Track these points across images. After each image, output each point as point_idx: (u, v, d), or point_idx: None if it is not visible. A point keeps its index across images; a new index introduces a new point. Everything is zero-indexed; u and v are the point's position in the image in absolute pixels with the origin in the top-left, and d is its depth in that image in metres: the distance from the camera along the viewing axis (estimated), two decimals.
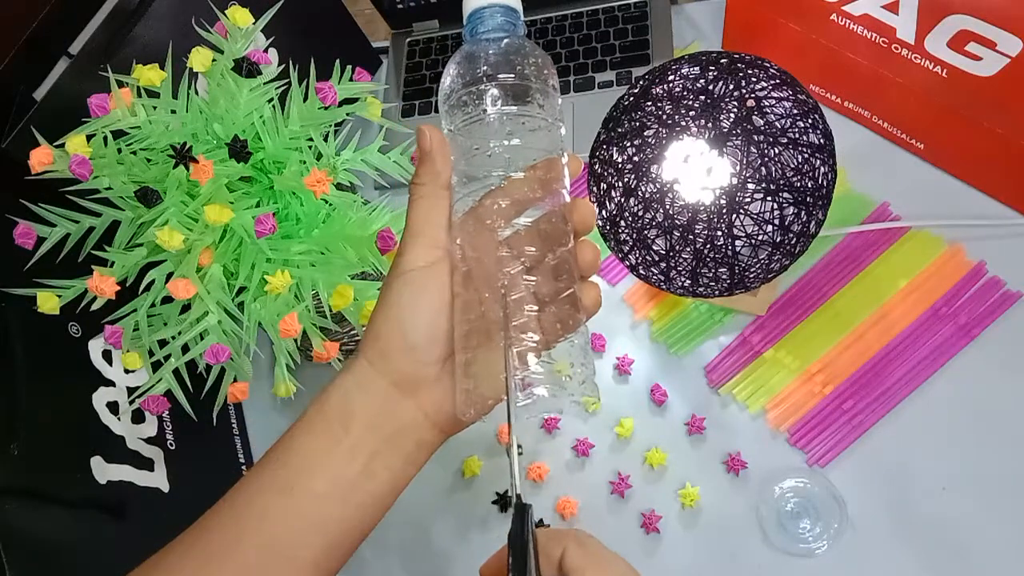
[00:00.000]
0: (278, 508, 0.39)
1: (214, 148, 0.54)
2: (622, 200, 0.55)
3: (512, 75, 0.41)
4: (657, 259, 0.56)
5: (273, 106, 0.55)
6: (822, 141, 0.53)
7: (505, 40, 0.43)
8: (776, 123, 0.52)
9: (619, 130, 0.56)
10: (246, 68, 0.52)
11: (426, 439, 0.41)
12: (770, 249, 0.54)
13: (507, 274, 0.39)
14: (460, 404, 0.39)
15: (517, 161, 0.40)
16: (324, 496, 0.39)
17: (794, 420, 0.65)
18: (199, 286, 0.50)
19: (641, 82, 0.57)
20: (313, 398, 0.42)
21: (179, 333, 0.51)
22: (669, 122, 0.53)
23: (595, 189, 0.57)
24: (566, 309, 0.39)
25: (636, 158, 0.54)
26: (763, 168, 0.52)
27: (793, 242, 0.54)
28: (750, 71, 0.54)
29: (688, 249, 0.54)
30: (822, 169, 0.53)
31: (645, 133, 0.54)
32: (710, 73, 0.54)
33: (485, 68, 0.41)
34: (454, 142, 0.42)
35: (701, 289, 0.57)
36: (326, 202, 0.54)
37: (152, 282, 0.52)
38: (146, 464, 0.63)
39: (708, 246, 0.54)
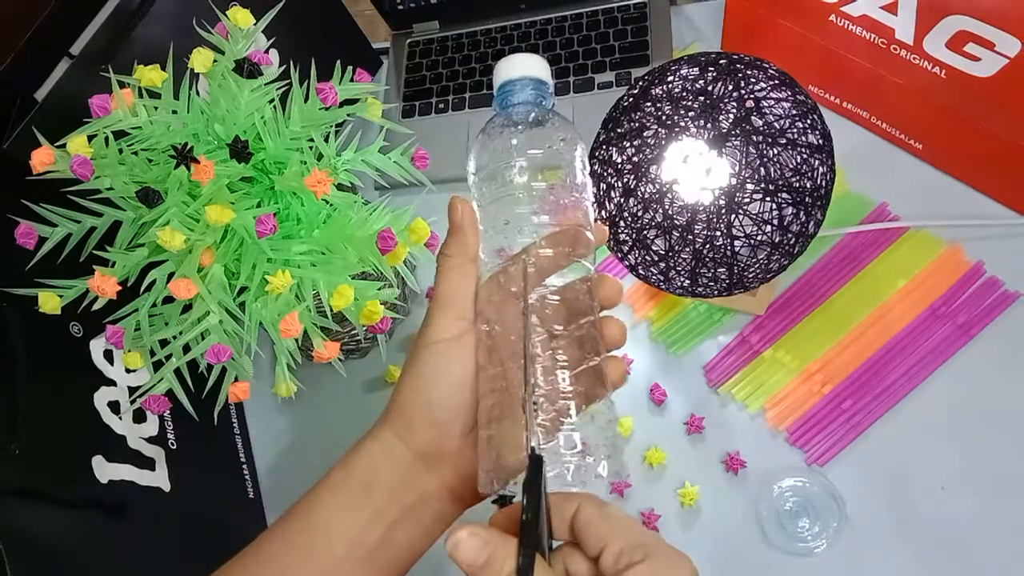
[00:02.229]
0: (298, 567, 0.40)
1: (215, 148, 0.54)
2: (621, 200, 0.55)
3: (541, 151, 0.41)
4: (656, 259, 0.56)
5: (274, 107, 0.55)
6: (821, 141, 0.53)
7: (534, 114, 0.43)
8: (775, 124, 0.52)
9: (619, 130, 0.56)
10: (247, 69, 0.52)
11: (446, 511, 0.42)
12: (769, 249, 0.54)
13: (532, 343, 0.38)
14: (483, 481, 0.38)
15: (544, 234, 0.40)
16: (343, 559, 0.40)
17: (793, 419, 0.65)
18: (200, 286, 0.50)
19: (640, 83, 0.57)
20: (339, 459, 0.43)
21: (180, 333, 0.51)
22: (668, 123, 0.53)
23: (595, 189, 0.57)
24: (590, 381, 0.39)
25: (635, 158, 0.54)
26: (762, 168, 0.52)
27: (792, 242, 0.54)
28: (749, 72, 0.54)
29: (687, 249, 0.54)
30: (821, 169, 0.53)
31: (644, 134, 0.54)
32: (709, 74, 0.54)
33: (515, 143, 0.41)
34: (482, 213, 0.42)
35: (700, 289, 0.57)
36: (327, 202, 0.54)
37: (153, 282, 0.52)
38: (147, 463, 0.63)
39: (707, 246, 0.54)
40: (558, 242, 0.40)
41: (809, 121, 0.53)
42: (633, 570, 0.32)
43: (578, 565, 0.34)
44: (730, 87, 0.53)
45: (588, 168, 0.43)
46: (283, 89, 0.55)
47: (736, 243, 0.53)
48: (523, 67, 0.43)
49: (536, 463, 0.33)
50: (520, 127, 0.42)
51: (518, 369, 0.38)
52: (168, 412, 0.65)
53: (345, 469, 0.42)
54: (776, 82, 0.54)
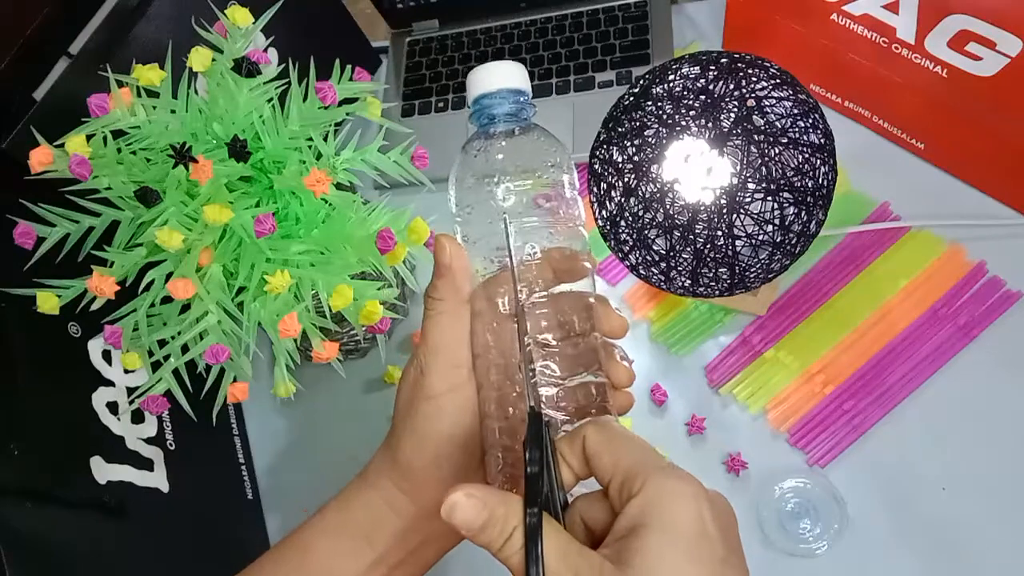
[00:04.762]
0: None
1: (214, 148, 0.54)
2: (622, 200, 0.55)
3: (529, 182, 0.39)
4: (657, 259, 0.56)
5: (273, 106, 0.55)
6: (822, 141, 0.53)
7: (517, 132, 0.40)
8: (776, 123, 0.52)
9: (619, 130, 0.56)
10: (246, 68, 0.51)
11: (446, 546, 0.43)
12: (770, 249, 0.54)
13: (532, 371, 0.37)
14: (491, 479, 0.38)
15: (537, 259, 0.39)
16: None
17: (794, 420, 0.65)
18: (199, 286, 0.49)
19: (641, 82, 0.56)
20: (333, 502, 0.42)
21: (179, 333, 0.51)
22: (669, 122, 0.53)
23: (595, 189, 0.57)
24: (590, 399, 0.38)
25: (636, 158, 0.54)
26: (763, 168, 0.51)
27: (793, 242, 0.54)
28: (750, 71, 0.53)
29: (688, 249, 0.54)
30: (822, 169, 0.53)
31: (645, 133, 0.54)
32: (710, 73, 0.54)
33: (499, 172, 0.39)
34: (471, 249, 0.40)
35: (701, 289, 0.57)
36: (326, 202, 0.54)
37: (152, 282, 0.51)
38: (146, 464, 0.63)
39: (708, 246, 0.53)
40: (551, 256, 0.39)
41: (811, 120, 0.53)
42: (628, 506, 0.30)
43: (595, 511, 0.33)
44: (731, 86, 0.53)
45: (577, 184, 0.42)
46: (282, 88, 0.55)
47: (737, 243, 0.53)
48: (500, 78, 0.40)
49: (536, 419, 0.32)
50: (504, 155, 0.39)
51: (514, 376, 0.38)
52: (167, 413, 0.65)
53: (343, 516, 0.42)
54: (777, 81, 0.53)
